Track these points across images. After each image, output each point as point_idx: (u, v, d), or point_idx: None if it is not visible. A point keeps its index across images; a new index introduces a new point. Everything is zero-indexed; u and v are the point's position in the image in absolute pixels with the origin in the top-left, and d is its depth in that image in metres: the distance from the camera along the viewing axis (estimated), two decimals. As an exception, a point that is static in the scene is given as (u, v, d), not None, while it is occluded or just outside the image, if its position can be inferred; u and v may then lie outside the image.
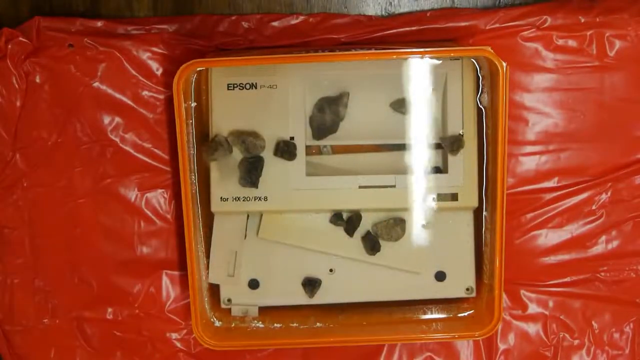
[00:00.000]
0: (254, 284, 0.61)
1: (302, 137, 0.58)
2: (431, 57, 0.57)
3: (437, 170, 0.59)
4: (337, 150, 0.59)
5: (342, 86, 0.58)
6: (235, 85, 0.57)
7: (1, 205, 0.63)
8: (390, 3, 0.63)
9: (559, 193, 0.64)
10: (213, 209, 0.59)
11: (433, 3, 0.63)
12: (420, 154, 0.59)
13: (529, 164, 0.64)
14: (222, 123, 0.58)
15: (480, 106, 0.58)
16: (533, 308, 0.65)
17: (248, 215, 0.60)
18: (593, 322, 0.65)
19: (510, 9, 0.62)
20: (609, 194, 0.64)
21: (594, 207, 0.64)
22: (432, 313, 0.62)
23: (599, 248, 0.65)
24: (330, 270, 0.61)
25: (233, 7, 0.63)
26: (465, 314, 0.62)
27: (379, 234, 0.60)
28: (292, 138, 0.58)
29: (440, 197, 0.59)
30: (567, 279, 0.65)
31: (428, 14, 0.63)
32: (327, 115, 0.58)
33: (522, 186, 0.64)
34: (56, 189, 0.63)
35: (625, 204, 0.64)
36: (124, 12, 0.63)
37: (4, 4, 0.63)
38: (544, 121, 0.63)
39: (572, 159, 0.63)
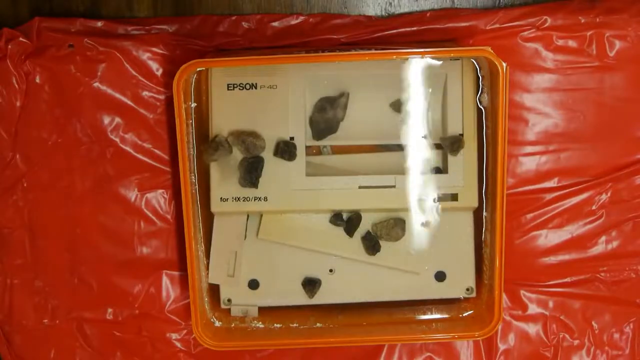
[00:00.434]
0: (254, 284, 0.61)
1: (302, 137, 0.58)
2: (431, 57, 0.57)
3: (437, 170, 0.59)
4: (337, 150, 0.59)
5: (342, 86, 0.58)
6: (235, 86, 0.57)
7: (1, 205, 0.63)
8: (390, 3, 0.63)
9: (559, 193, 0.64)
10: (213, 209, 0.59)
11: (433, 3, 0.63)
12: (420, 154, 0.59)
13: (529, 164, 0.64)
14: (222, 123, 0.58)
15: (480, 106, 0.58)
16: (533, 308, 0.65)
17: (248, 216, 0.60)
18: (593, 322, 0.65)
19: (510, 9, 0.62)
20: (609, 194, 0.64)
21: (594, 207, 0.64)
22: (432, 313, 0.62)
23: (599, 248, 0.65)
24: (330, 271, 0.61)
25: (233, 7, 0.63)
26: (465, 314, 0.62)
27: (378, 234, 0.60)
28: (292, 138, 0.58)
29: (440, 198, 0.59)
30: (567, 279, 0.65)
31: (428, 14, 0.63)
32: (327, 116, 0.58)
33: (522, 186, 0.64)
34: (56, 189, 0.63)
35: (625, 204, 0.64)
36: (124, 13, 0.63)
37: (4, 4, 0.63)
38: (544, 121, 0.63)
39: (572, 159, 0.64)
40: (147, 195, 0.64)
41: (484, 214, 0.59)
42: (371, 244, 0.60)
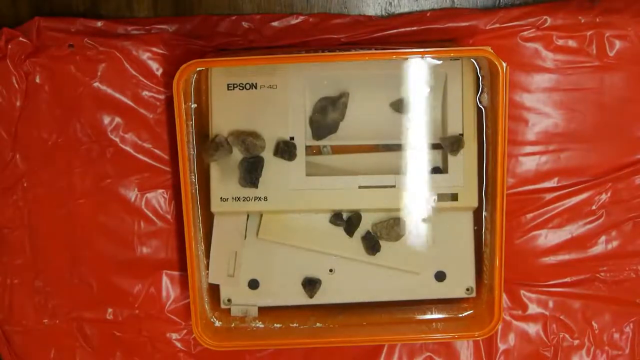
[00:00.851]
0: (254, 284, 0.61)
1: (302, 137, 0.58)
2: (431, 57, 0.57)
3: (437, 170, 0.59)
4: (337, 150, 0.59)
5: (342, 86, 0.58)
6: (235, 85, 0.57)
7: (1, 205, 0.63)
8: (390, 3, 0.63)
9: (559, 193, 0.64)
10: (213, 209, 0.59)
11: (433, 3, 0.63)
12: (420, 154, 0.59)
13: (529, 164, 0.64)
14: (222, 123, 0.58)
15: (480, 106, 0.58)
16: (533, 308, 0.65)
17: (248, 216, 0.60)
18: (593, 322, 0.65)
19: (510, 9, 0.62)
20: (609, 194, 0.64)
21: (594, 207, 0.64)
22: (432, 313, 0.62)
23: (599, 248, 0.65)
24: (330, 271, 0.61)
25: (233, 7, 0.63)
26: (465, 313, 0.62)
27: (378, 234, 0.60)
28: (292, 138, 0.58)
29: (440, 197, 0.59)
30: (567, 279, 0.65)
31: (428, 14, 0.63)
32: (327, 116, 0.58)
33: (522, 186, 0.64)
34: (56, 189, 0.63)
35: (625, 204, 0.64)
36: (124, 12, 0.63)
37: (4, 4, 0.63)
38: (544, 121, 0.63)
39: (572, 159, 0.63)
40: (147, 195, 0.64)
41: (484, 213, 0.59)
42: (371, 244, 0.60)
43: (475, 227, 0.60)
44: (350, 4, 0.63)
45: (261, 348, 0.64)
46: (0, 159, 0.62)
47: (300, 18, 0.63)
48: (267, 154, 0.58)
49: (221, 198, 0.59)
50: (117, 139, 0.63)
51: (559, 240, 0.65)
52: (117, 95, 0.62)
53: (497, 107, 0.55)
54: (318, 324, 0.61)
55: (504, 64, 0.53)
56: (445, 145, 0.58)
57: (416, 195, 0.59)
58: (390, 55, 0.55)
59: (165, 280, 0.65)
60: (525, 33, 0.61)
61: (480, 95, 0.58)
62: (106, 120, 0.63)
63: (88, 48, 0.61)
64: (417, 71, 0.57)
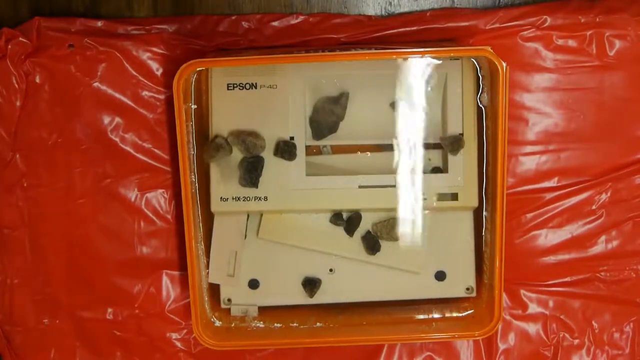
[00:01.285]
0: (254, 284, 0.61)
1: (302, 137, 0.58)
2: (431, 57, 0.57)
3: (437, 170, 0.59)
4: (337, 150, 0.59)
5: (342, 86, 0.58)
6: (235, 85, 0.57)
7: (1, 205, 0.63)
8: (390, 3, 0.63)
9: (559, 193, 0.64)
10: (213, 209, 0.59)
11: (433, 3, 0.63)
12: (420, 154, 0.59)
13: (529, 164, 0.64)
14: (222, 123, 0.58)
15: (481, 106, 0.58)
16: (533, 308, 0.65)
17: (248, 216, 0.60)
18: (593, 322, 0.65)
19: (510, 9, 0.62)
20: (609, 194, 0.64)
21: (594, 207, 0.64)
22: (432, 313, 0.62)
23: (599, 248, 0.65)
24: (330, 270, 0.61)
25: (233, 7, 0.63)
26: (466, 313, 0.62)
27: (378, 234, 0.60)
28: (292, 138, 0.58)
29: (441, 197, 0.59)
30: (567, 279, 0.65)
31: (428, 14, 0.63)
32: (326, 115, 0.58)
33: (522, 186, 0.64)
34: (56, 189, 0.63)
35: (625, 204, 0.64)
36: (124, 12, 0.63)
37: (4, 4, 0.63)
38: (544, 121, 0.63)
39: (572, 159, 0.63)
40: (147, 195, 0.64)
41: (484, 213, 0.59)
42: (371, 244, 0.60)
43: (475, 227, 0.60)
44: (350, 4, 0.63)
45: (261, 348, 0.64)
46: (0, 159, 0.62)
47: (300, 18, 0.63)
48: (267, 154, 0.58)
49: (221, 198, 0.59)
50: (117, 139, 0.63)
51: (559, 240, 0.65)
52: (117, 95, 0.62)
53: (497, 107, 0.55)
54: (318, 324, 0.61)
55: (504, 64, 0.53)
56: (445, 145, 0.58)
57: (416, 195, 0.59)
58: (390, 55, 0.55)
59: (165, 280, 0.65)
60: (525, 33, 0.61)
61: (480, 95, 0.58)
62: (106, 120, 0.63)
63: (88, 48, 0.61)
64: (417, 71, 0.57)
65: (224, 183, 0.58)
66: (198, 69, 0.57)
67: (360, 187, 0.58)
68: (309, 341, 0.61)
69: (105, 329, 0.65)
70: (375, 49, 0.57)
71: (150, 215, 0.64)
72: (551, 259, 0.65)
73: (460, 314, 0.62)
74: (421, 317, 0.62)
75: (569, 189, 0.64)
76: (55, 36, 0.61)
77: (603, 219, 0.64)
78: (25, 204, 0.63)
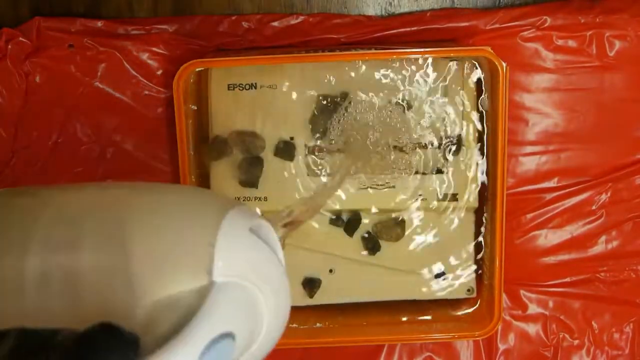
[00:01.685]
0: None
1: (302, 137, 0.58)
2: (431, 57, 0.57)
3: (438, 170, 0.59)
4: (337, 150, 0.59)
5: (342, 86, 0.58)
6: (235, 86, 0.57)
7: (1, 205, 0.63)
8: (390, 3, 0.63)
9: (559, 193, 0.64)
10: (213, 209, 0.59)
11: (433, 3, 0.63)
12: (420, 154, 0.59)
13: (529, 164, 0.64)
14: (222, 123, 0.58)
15: (480, 105, 0.58)
16: (533, 308, 0.65)
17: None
18: (593, 322, 0.65)
19: (510, 9, 0.62)
20: (609, 194, 0.64)
21: (594, 207, 0.64)
22: (432, 313, 0.62)
23: (599, 248, 0.65)
24: (330, 271, 0.61)
25: (233, 7, 0.63)
26: (466, 313, 0.62)
27: (378, 235, 0.60)
28: (292, 138, 0.58)
29: (441, 197, 0.59)
30: (567, 279, 0.65)
31: (428, 14, 0.63)
32: (326, 116, 0.58)
33: (522, 186, 0.64)
34: (56, 189, 0.63)
35: (625, 204, 0.64)
36: (124, 13, 0.63)
37: (4, 4, 0.63)
38: (544, 121, 0.63)
39: (572, 159, 0.63)
40: (147, 195, 0.64)
41: (484, 214, 0.59)
42: (371, 244, 0.60)
43: (475, 227, 0.60)
44: (350, 4, 0.63)
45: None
46: (0, 159, 0.62)
47: (300, 18, 0.63)
48: (267, 154, 0.58)
49: (221, 198, 0.58)
50: (117, 139, 0.63)
51: (559, 240, 0.65)
52: (117, 95, 0.62)
53: (497, 107, 0.55)
54: (318, 324, 0.61)
55: (504, 64, 0.53)
56: (446, 146, 0.58)
57: (416, 196, 0.59)
58: (390, 55, 0.56)
59: (165, 280, 0.65)
60: (525, 33, 0.61)
61: (480, 99, 0.58)
62: (106, 120, 0.63)
63: (88, 48, 0.61)
64: (417, 71, 0.57)
65: (224, 183, 0.58)
66: (198, 69, 0.57)
67: (360, 187, 0.58)
68: (308, 341, 0.61)
69: (105, 329, 0.65)
70: (375, 49, 0.57)
71: (150, 215, 0.64)
72: (551, 259, 0.65)
73: (460, 314, 0.62)
74: (421, 317, 0.62)
75: (569, 190, 0.64)
76: (55, 36, 0.61)
77: (603, 219, 0.64)
78: (25, 204, 0.63)
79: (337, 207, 0.59)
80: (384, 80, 0.58)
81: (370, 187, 0.58)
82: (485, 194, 0.59)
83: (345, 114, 0.58)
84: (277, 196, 0.58)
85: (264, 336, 0.36)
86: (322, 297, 0.61)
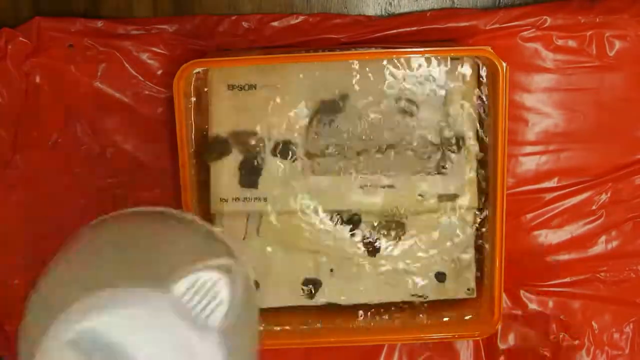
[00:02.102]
0: (254, 285, 0.61)
1: (302, 138, 0.58)
2: (431, 57, 0.57)
3: (438, 170, 0.59)
4: (337, 150, 0.59)
5: (342, 86, 0.58)
6: (235, 86, 0.57)
7: (1, 205, 0.63)
8: (390, 3, 0.63)
9: (559, 193, 0.64)
10: (213, 209, 0.59)
11: (433, 3, 0.63)
12: (420, 154, 0.59)
13: (529, 164, 0.64)
14: (222, 123, 0.58)
15: (480, 105, 0.58)
16: (533, 308, 0.65)
17: (248, 217, 0.60)
18: (593, 322, 0.65)
19: (510, 9, 0.62)
20: (609, 194, 0.64)
21: (594, 207, 0.64)
22: (432, 313, 0.62)
23: (599, 248, 0.65)
24: (331, 271, 0.61)
25: (233, 7, 0.63)
26: (466, 313, 0.62)
27: (379, 235, 0.60)
28: (292, 139, 0.58)
29: (441, 198, 0.59)
30: (567, 279, 0.65)
31: (428, 14, 0.63)
32: (326, 116, 0.58)
33: (522, 186, 0.64)
34: (56, 189, 0.63)
35: (625, 204, 0.64)
36: (124, 13, 0.63)
37: (4, 4, 0.63)
38: (544, 121, 0.63)
39: (572, 159, 0.63)
40: (147, 195, 0.64)
41: (484, 214, 0.59)
42: (371, 244, 0.60)
43: (475, 227, 0.60)
44: (350, 4, 0.63)
45: (261, 348, 0.64)
46: (0, 159, 0.62)
47: (300, 18, 0.63)
48: (267, 154, 0.58)
49: (221, 199, 0.58)
50: (117, 139, 0.63)
51: (559, 240, 0.65)
52: (118, 95, 0.62)
53: (497, 107, 0.55)
54: (318, 324, 0.61)
55: (504, 64, 0.53)
56: (446, 145, 0.58)
57: (416, 196, 0.59)
58: (390, 55, 0.56)
59: (165, 280, 0.65)
60: (525, 33, 0.61)
61: (480, 95, 0.58)
62: (106, 120, 0.63)
63: (88, 48, 0.61)
64: (417, 71, 0.57)
65: (223, 183, 0.58)
66: (198, 69, 0.57)
67: (360, 187, 0.58)
68: (309, 341, 0.61)
69: (105, 329, 0.65)
70: (375, 49, 0.57)
71: (150, 215, 0.64)
72: (551, 259, 0.65)
73: (460, 315, 0.62)
74: (421, 317, 0.62)
75: (569, 189, 0.64)
76: (55, 36, 0.61)
77: (603, 219, 0.64)
78: (25, 204, 0.63)
79: (337, 207, 0.59)
80: (383, 80, 0.58)
81: (370, 187, 0.58)
82: (486, 194, 0.59)
83: (345, 114, 0.58)
84: (277, 196, 0.58)
85: None
86: (322, 298, 0.61)
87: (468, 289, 0.61)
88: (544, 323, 0.66)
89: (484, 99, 0.58)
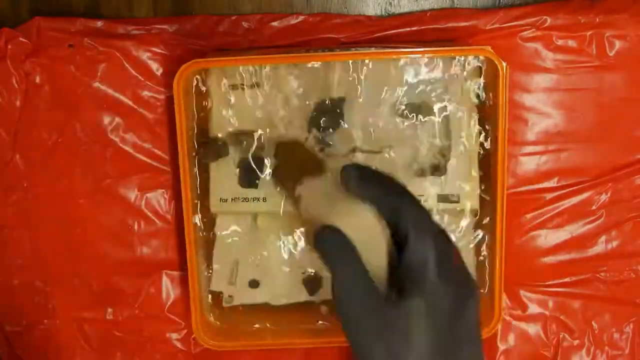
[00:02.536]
0: (254, 283, 0.61)
1: (303, 138, 0.58)
2: (431, 57, 0.57)
3: (438, 170, 0.59)
4: (337, 150, 0.59)
5: (342, 86, 0.58)
6: (235, 85, 0.57)
7: (1, 205, 0.63)
8: (390, 3, 0.63)
9: (559, 193, 0.64)
10: (213, 209, 0.59)
11: (433, 3, 0.63)
12: (420, 154, 0.59)
13: (529, 164, 0.64)
14: (222, 123, 0.58)
15: (480, 105, 0.58)
16: (533, 308, 0.65)
17: (248, 216, 0.60)
18: (593, 322, 0.65)
19: (510, 9, 0.62)
20: (609, 194, 0.64)
21: (594, 207, 0.64)
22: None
23: (599, 248, 0.65)
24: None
25: (233, 7, 0.63)
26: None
27: None
28: (292, 138, 0.58)
29: (441, 198, 0.59)
30: (567, 279, 0.65)
31: (428, 14, 0.63)
32: (327, 116, 0.58)
33: (522, 186, 0.64)
34: (56, 189, 0.63)
35: (625, 204, 0.64)
36: (124, 12, 0.63)
37: (4, 4, 0.63)
38: (544, 121, 0.63)
39: (572, 159, 0.64)
40: (147, 195, 0.64)
41: (484, 214, 0.59)
42: None
43: (475, 228, 0.60)
44: (350, 4, 0.63)
45: (261, 348, 0.64)
46: (0, 159, 0.62)
47: (300, 18, 0.63)
48: (267, 154, 0.58)
49: (221, 198, 0.59)
50: (117, 139, 0.63)
51: (559, 240, 0.65)
52: (117, 95, 0.62)
53: (497, 107, 0.55)
54: (319, 324, 0.61)
55: (504, 64, 0.53)
56: (446, 146, 0.58)
57: (417, 196, 0.58)
58: (390, 55, 0.56)
59: (165, 280, 0.65)
60: (525, 33, 0.61)
61: (480, 95, 0.58)
62: (106, 120, 0.63)
63: (88, 48, 0.61)
64: (417, 71, 0.57)
65: (223, 183, 0.58)
66: (198, 69, 0.57)
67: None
68: (309, 341, 0.61)
69: (105, 329, 0.65)
70: (375, 49, 0.57)
71: (150, 215, 0.64)
72: (551, 259, 0.65)
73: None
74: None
75: (569, 189, 0.64)
76: (55, 36, 0.61)
77: (603, 219, 0.64)
78: (25, 204, 0.63)
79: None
80: (383, 80, 0.58)
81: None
82: (486, 194, 0.59)
83: (346, 114, 0.58)
84: (276, 197, 0.58)
85: None
86: (323, 295, 0.61)
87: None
88: (544, 323, 0.66)
89: (484, 99, 0.58)
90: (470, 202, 0.59)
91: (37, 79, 0.61)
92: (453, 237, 0.60)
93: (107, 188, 0.63)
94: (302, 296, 0.61)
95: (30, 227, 0.64)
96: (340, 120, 0.59)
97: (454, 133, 0.58)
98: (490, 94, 0.57)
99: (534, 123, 0.63)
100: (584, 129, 0.63)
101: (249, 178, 0.58)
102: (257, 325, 0.61)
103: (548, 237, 0.65)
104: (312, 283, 0.61)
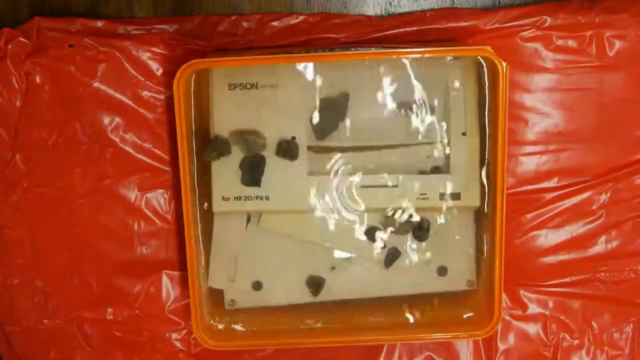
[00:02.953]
0: (257, 285, 0.61)
1: (304, 137, 0.58)
2: (431, 57, 0.57)
3: (439, 170, 0.59)
4: (338, 150, 0.59)
5: (342, 86, 0.58)
6: (236, 85, 0.57)
7: (1, 205, 0.63)
8: (390, 3, 0.63)
9: (559, 193, 0.64)
10: (215, 208, 0.59)
11: (433, 3, 0.63)
12: (422, 153, 0.59)
13: (529, 164, 0.64)
14: (222, 123, 0.58)
15: (481, 105, 0.58)
16: (533, 308, 0.65)
17: (249, 217, 0.60)
18: (593, 322, 0.65)
19: (510, 9, 0.62)
20: (609, 194, 0.64)
21: (594, 207, 0.64)
22: (432, 313, 0.62)
23: (598, 248, 0.65)
24: (333, 268, 0.61)
25: (233, 7, 0.63)
26: (466, 314, 0.62)
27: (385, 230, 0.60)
28: (293, 138, 0.58)
29: (443, 197, 0.59)
30: (567, 279, 0.65)
31: (428, 14, 0.63)
32: (328, 115, 0.58)
33: (522, 186, 0.64)
34: (56, 189, 0.63)
35: (625, 204, 0.64)
36: (124, 12, 0.63)
37: (4, 4, 0.63)
38: (543, 121, 0.63)
39: (572, 159, 0.64)
40: (147, 195, 0.64)
41: (485, 213, 0.59)
42: (390, 257, 0.60)
43: (475, 227, 0.60)
44: (350, 4, 0.63)
45: (261, 348, 0.64)
46: (0, 159, 0.62)
47: (300, 18, 0.63)
48: (269, 154, 0.58)
49: (223, 197, 0.59)
50: (117, 139, 0.63)
51: (559, 240, 0.65)
52: (117, 95, 0.62)
53: (497, 107, 0.55)
54: (319, 324, 0.61)
55: (504, 64, 0.53)
56: (446, 145, 0.58)
57: (418, 195, 0.59)
58: (390, 55, 0.56)
59: (165, 280, 0.65)
60: (525, 33, 0.61)
61: (480, 94, 0.58)
62: (106, 120, 0.63)
63: (88, 48, 0.61)
64: (418, 71, 0.57)
65: (225, 183, 0.58)
66: (198, 69, 0.57)
67: (362, 187, 0.58)
68: (309, 341, 0.61)
69: (105, 329, 0.65)
70: (375, 49, 0.57)
71: (150, 215, 0.64)
72: (551, 259, 0.65)
73: (461, 315, 0.62)
74: (422, 317, 0.62)
75: (569, 189, 0.64)
76: (55, 36, 0.61)
77: (603, 219, 0.64)
78: (26, 204, 0.63)
79: (339, 206, 0.59)
80: (384, 80, 0.58)
81: (373, 187, 0.58)
82: (486, 193, 0.59)
83: (346, 114, 0.58)
84: (278, 195, 0.58)
85: None
86: (325, 295, 0.61)
87: (468, 281, 0.61)
88: (543, 323, 0.66)
89: (484, 99, 0.58)
90: (472, 201, 0.59)
91: (37, 79, 0.61)
92: (453, 236, 0.60)
93: (107, 188, 0.63)
94: (306, 297, 0.61)
95: (30, 227, 0.63)
96: (342, 119, 0.59)
97: (455, 132, 0.58)
98: (491, 94, 0.57)
99: (534, 123, 0.63)
100: (583, 129, 0.63)
101: (251, 177, 0.58)
102: (257, 327, 0.61)
103: (548, 237, 0.65)
104: (315, 284, 0.61)
